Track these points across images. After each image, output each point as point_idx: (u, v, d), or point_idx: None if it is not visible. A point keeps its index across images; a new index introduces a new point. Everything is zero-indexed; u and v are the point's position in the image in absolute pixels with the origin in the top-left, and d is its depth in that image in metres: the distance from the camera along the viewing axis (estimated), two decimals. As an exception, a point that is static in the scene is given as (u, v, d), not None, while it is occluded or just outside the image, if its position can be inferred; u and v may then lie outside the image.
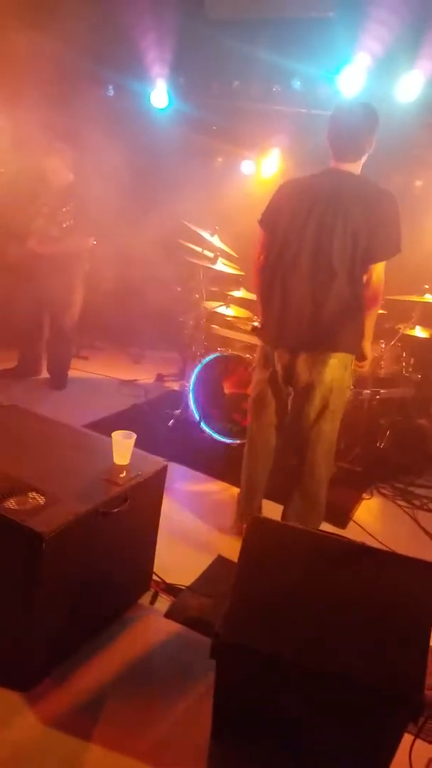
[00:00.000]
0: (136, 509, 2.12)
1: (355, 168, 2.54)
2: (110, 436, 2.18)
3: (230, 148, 5.47)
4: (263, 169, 5.35)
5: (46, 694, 1.89)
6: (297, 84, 4.59)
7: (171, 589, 2.44)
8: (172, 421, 4.14)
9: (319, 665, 1.61)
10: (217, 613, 1.77)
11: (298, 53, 4.44)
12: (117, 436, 2.16)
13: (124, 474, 2.12)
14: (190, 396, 3.95)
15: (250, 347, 3.82)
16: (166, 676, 2.05)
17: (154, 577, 2.45)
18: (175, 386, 5.02)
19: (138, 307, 5.47)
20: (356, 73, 4.23)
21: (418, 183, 4.91)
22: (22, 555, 1.77)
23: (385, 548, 2.62)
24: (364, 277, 2.49)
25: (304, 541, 1.86)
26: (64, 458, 2.24)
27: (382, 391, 3.78)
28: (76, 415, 3.81)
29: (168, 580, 2.46)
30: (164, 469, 2.29)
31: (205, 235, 4.14)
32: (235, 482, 3.19)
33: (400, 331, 3.84)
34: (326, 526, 3.06)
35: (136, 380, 5.06)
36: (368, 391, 3.74)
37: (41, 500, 1.88)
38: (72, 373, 4.76)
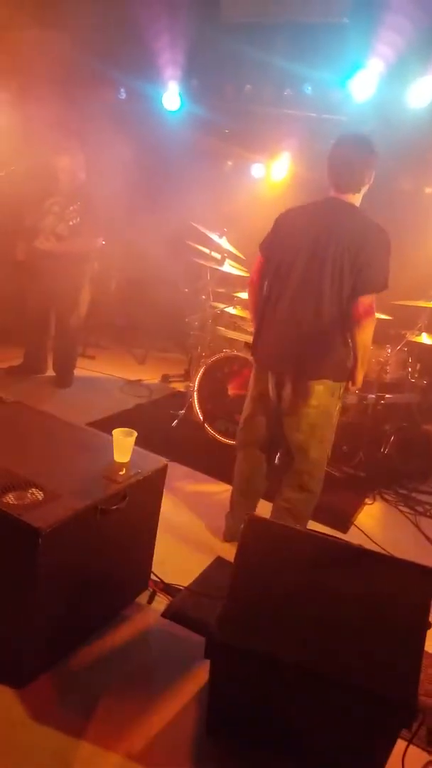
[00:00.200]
0: (135, 507, 2.12)
1: (356, 199, 2.57)
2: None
3: (241, 151, 5.48)
4: (273, 173, 5.37)
5: (40, 690, 1.89)
6: (308, 89, 4.60)
7: (169, 589, 2.44)
8: (176, 421, 4.14)
9: (312, 667, 1.61)
10: (214, 613, 1.77)
11: (310, 58, 4.45)
12: (118, 433, 2.16)
13: (124, 472, 2.12)
14: (195, 396, 3.95)
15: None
16: (160, 675, 2.05)
17: (153, 577, 2.45)
18: (181, 387, 5.02)
19: (145, 307, 5.49)
20: (368, 79, 4.23)
21: (428, 190, 4.90)
22: (19, 550, 1.78)
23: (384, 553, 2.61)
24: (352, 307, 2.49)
25: (301, 542, 1.86)
26: (66, 455, 2.25)
27: (387, 396, 3.78)
28: (80, 413, 3.83)
29: (166, 580, 2.46)
30: (164, 468, 2.29)
31: (214, 236, 4.15)
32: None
33: (406, 337, 3.83)
34: (327, 530, 3.05)
35: (141, 380, 5.08)
36: (373, 396, 3.73)
37: (40, 496, 1.89)
38: (78, 372, 4.78)
